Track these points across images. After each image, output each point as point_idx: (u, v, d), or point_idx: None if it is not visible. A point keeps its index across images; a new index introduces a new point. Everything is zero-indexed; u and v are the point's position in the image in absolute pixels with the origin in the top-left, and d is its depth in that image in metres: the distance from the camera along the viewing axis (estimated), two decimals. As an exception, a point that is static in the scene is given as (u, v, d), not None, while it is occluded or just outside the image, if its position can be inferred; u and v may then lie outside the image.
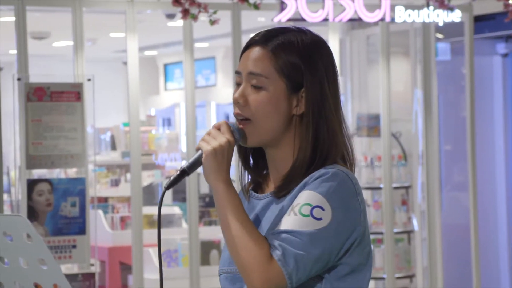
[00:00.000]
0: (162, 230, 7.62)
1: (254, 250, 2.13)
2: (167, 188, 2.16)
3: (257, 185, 2.32)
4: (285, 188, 2.24)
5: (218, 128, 2.21)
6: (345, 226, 2.18)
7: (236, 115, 2.25)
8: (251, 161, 2.33)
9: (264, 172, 2.33)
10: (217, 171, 2.18)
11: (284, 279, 2.12)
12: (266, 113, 2.23)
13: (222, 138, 2.19)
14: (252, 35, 2.35)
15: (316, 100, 2.25)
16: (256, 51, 2.26)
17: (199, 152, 2.19)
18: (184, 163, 2.20)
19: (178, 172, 2.17)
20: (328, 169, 2.21)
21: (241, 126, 2.23)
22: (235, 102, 2.24)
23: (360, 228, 2.20)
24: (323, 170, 2.21)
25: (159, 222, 2.16)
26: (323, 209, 2.15)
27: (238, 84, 2.27)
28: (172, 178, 2.16)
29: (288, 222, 2.15)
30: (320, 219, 2.14)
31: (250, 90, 2.24)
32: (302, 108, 2.25)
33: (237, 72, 2.27)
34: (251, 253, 2.13)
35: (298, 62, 2.26)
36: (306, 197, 2.17)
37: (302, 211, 2.15)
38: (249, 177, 2.33)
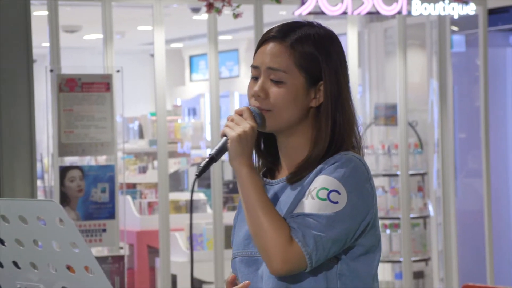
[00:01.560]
0: (187, 215, 7.63)
1: (276, 232, 2.13)
2: (198, 175, 2.16)
3: (267, 171, 2.33)
4: (300, 174, 2.24)
5: (240, 114, 2.21)
6: (360, 209, 2.19)
7: (255, 108, 2.25)
8: (262, 146, 2.33)
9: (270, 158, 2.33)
10: (241, 156, 2.18)
11: (305, 260, 2.13)
12: (285, 106, 2.23)
13: (246, 124, 2.19)
14: (273, 28, 2.35)
15: (334, 92, 2.26)
16: (274, 46, 2.24)
17: (224, 138, 2.19)
18: (211, 150, 2.19)
19: (207, 160, 2.17)
20: (343, 155, 2.22)
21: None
22: (255, 95, 2.23)
23: (372, 211, 2.21)
24: (338, 156, 2.22)
25: (191, 208, 2.16)
26: (339, 193, 2.16)
27: (254, 77, 2.26)
28: (201, 165, 2.16)
29: (306, 206, 2.16)
30: (336, 202, 2.16)
31: (269, 84, 2.24)
32: (320, 100, 2.26)
33: (254, 66, 2.26)
34: (273, 235, 2.13)
35: (316, 56, 2.25)
36: (322, 181, 2.18)
37: (319, 195, 2.16)
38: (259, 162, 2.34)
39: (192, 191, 2.19)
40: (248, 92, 2.28)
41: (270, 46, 2.25)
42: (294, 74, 2.23)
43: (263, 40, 2.27)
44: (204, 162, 2.16)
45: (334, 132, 2.25)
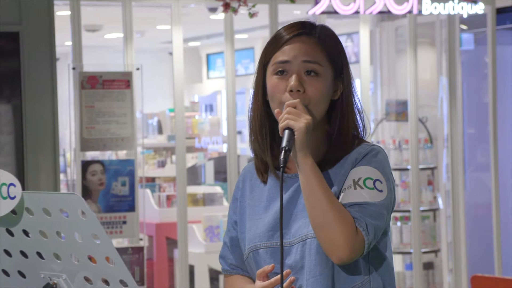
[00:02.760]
0: (204, 208, 7.57)
1: (344, 223, 2.13)
2: (283, 167, 2.11)
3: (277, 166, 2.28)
4: (333, 163, 2.24)
5: (294, 106, 2.17)
6: (392, 195, 2.23)
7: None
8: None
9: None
10: (307, 148, 2.16)
11: (364, 247, 2.15)
12: (321, 98, 2.22)
13: (307, 116, 2.15)
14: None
15: (350, 84, 2.28)
16: (304, 41, 2.23)
17: (288, 130, 2.14)
18: (283, 144, 2.12)
19: (283, 152, 2.11)
20: (372, 147, 2.24)
21: None
22: (294, 89, 2.19)
23: (395, 196, 2.25)
24: (368, 147, 2.24)
25: (281, 205, 2.12)
26: (381, 182, 2.19)
27: (281, 72, 2.24)
28: (282, 159, 2.10)
29: (357, 195, 2.17)
30: (381, 191, 2.18)
31: (305, 77, 2.22)
32: (339, 92, 2.26)
33: (284, 61, 2.23)
34: (341, 226, 2.13)
35: (338, 49, 2.27)
36: (364, 171, 2.19)
37: (366, 184, 2.18)
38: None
39: (281, 185, 2.11)
40: (274, 90, 2.23)
41: (300, 42, 2.23)
42: (327, 66, 2.23)
43: (288, 38, 2.23)
44: (283, 156, 2.11)
45: (356, 120, 2.27)
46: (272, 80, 2.23)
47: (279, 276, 2.13)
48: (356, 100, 2.28)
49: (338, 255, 2.12)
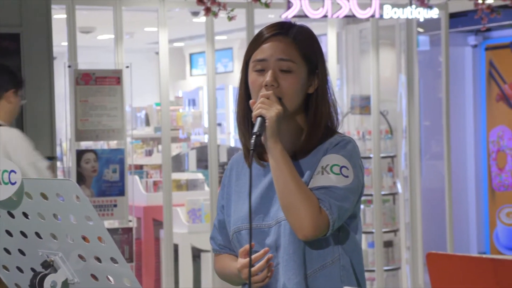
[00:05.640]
0: (187, 193, 7.54)
1: (308, 203, 2.12)
2: (253, 150, 2.11)
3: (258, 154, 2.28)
4: (307, 152, 2.23)
5: (267, 97, 2.16)
6: (360, 181, 2.22)
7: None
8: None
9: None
10: (277, 135, 2.15)
11: (329, 226, 2.14)
12: (295, 93, 2.21)
13: (278, 106, 2.15)
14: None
15: (325, 79, 2.26)
16: (279, 40, 2.22)
17: (260, 118, 2.13)
18: (254, 129, 2.12)
19: (254, 137, 2.11)
20: (343, 137, 2.24)
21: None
22: (268, 85, 2.19)
23: (363, 182, 2.25)
24: (339, 138, 2.23)
25: (250, 185, 2.13)
26: (347, 169, 2.18)
27: (259, 70, 2.23)
28: (252, 142, 2.10)
29: (323, 180, 2.16)
30: (347, 176, 2.18)
31: (279, 74, 2.22)
32: (314, 87, 2.26)
33: (261, 60, 2.22)
34: (306, 205, 2.12)
35: (313, 46, 2.26)
36: (332, 159, 2.18)
37: (333, 170, 2.17)
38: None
39: (251, 163, 2.11)
40: (253, 85, 2.22)
41: (276, 41, 2.22)
42: (300, 63, 2.22)
43: (266, 37, 2.23)
44: (253, 140, 2.11)
45: (329, 112, 2.25)
46: (252, 76, 2.24)
47: (258, 253, 2.14)
48: (330, 94, 2.27)
49: (303, 233, 2.13)
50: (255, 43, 2.25)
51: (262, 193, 2.25)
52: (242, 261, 2.18)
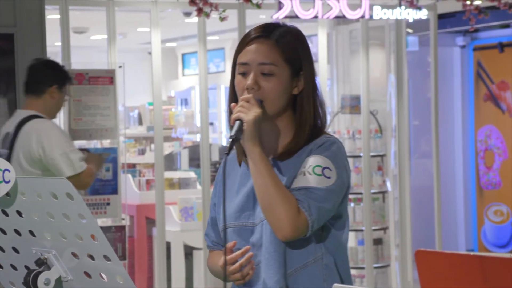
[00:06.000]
0: (180, 191, 7.52)
1: (287, 204, 2.12)
2: (227, 153, 2.11)
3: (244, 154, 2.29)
4: (292, 153, 2.23)
5: (247, 101, 2.16)
6: (344, 182, 2.21)
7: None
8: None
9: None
10: (255, 137, 2.14)
11: (308, 227, 2.14)
12: (276, 95, 2.21)
13: (257, 109, 2.15)
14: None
15: (311, 80, 2.25)
16: (262, 43, 2.21)
17: (239, 121, 2.13)
18: (231, 133, 2.12)
19: (231, 141, 2.11)
20: (328, 138, 2.22)
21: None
22: (249, 88, 2.19)
23: (349, 184, 2.24)
24: (324, 139, 2.22)
25: (224, 188, 2.13)
26: (330, 170, 2.17)
27: (242, 73, 2.23)
28: (228, 146, 2.11)
29: (305, 180, 2.16)
30: (329, 177, 2.17)
31: (260, 77, 2.21)
32: (300, 88, 2.25)
33: (244, 63, 2.22)
34: (284, 206, 2.12)
35: (296, 48, 2.24)
36: (315, 160, 2.17)
37: (315, 171, 2.16)
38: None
39: (225, 169, 2.13)
40: (237, 87, 2.23)
41: (258, 44, 2.22)
42: (282, 66, 2.21)
43: (249, 41, 2.23)
44: (229, 144, 2.11)
45: (315, 113, 2.25)
46: (237, 78, 2.25)
47: (238, 252, 2.17)
48: (318, 95, 2.26)
49: (282, 233, 2.13)
50: (240, 45, 2.25)
51: (249, 192, 2.25)
52: (224, 258, 2.20)
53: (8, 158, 4.44)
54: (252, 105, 2.15)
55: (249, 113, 2.13)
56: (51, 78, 4.53)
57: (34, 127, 4.40)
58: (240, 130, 2.13)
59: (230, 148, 2.11)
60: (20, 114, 4.53)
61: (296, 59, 2.23)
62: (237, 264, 2.16)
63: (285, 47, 2.22)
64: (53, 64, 4.67)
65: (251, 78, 2.20)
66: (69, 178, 4.36)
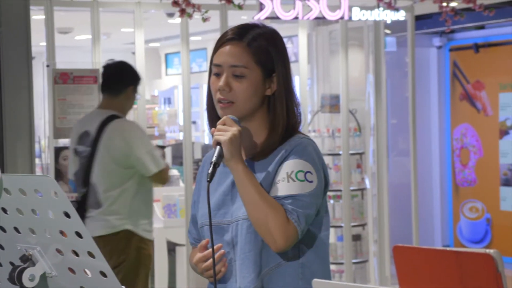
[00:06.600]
0: (163, 188, 7.50)
1: (276, 217, 2.12)
2: (209, 181, 2.11)
3: None
4: (267, 153, 2.23)
5: (223, 123, 2.16)
6: (323, 182, 2.22)
7: (220, 100, 2.22)
8: None
9: None
10: (236, 155, 2.14)
11: (298, 236, 2.15)
12: (247, 97, 2.21)
13: (233, 129, 2.14)
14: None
15: (284, 81, 2.25)
16: (234, 46, 2.21)
17: (218, 146, 2.14)
18: (212, 158, 2.13)
19: (212, 167, 2.11)
20: (301, 140, 2.22)
21: (226, 105, 2.21)
22: (221, 89, 2.20)
23: (327, 181, 2.24)
24: (298, 140, 2.21)
25: (209, 214, 2.13)
26: (311, 173, 2.17)
27: (217, 74, 2.23)
28: (209, 172, 2.10)
29: (290, 188, 2.15)
30: (311, 181, 2.17)
31: (232, 79, 2.22)
32: (273, 89, 2.25)
33: (217, 65, 2.22)
34: (274, 219, 2.11)
35: (269, 50, 2.24)
36: (296, 165, 2.17)
37: (298, 177, 2.16)
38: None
39: (208, 196, 2.12)
40: (211, 87, 2.24)
41: (230, 47, 2.22)
42: (253, 68, 2.21)
43: (222, 42, 2.24)
44: (211, 169, 2.11)
45: (288, 114, 2.25)
46: (211, 79, 2.25)
47: (210, 250, 2.20)
48: (291, 95, 2.26)
49: (276, 246, 2.13)
50: (216, 46, 2.27)
51: (225, 191, 2.25)
52: (198, 255, 2.24)
53: (91, 156, 4.53)
54: (229, 125, 2.15)
55: (226, 134, 2.14)
56: (128, 79, 4.73)
57: (118, 128, 4.54)
58: (220, 155, 2.14)
59: (212, 175, 2.11)
60: (100, 113, 4.65)
61: (268, 61, 2.22)
62: (209, 261, 2.19)
63: (257, 49, 2.21)
64: (129, 66, 4.88)
65: (222, 80, 2.21)
66: (154, 174, 4.56)
